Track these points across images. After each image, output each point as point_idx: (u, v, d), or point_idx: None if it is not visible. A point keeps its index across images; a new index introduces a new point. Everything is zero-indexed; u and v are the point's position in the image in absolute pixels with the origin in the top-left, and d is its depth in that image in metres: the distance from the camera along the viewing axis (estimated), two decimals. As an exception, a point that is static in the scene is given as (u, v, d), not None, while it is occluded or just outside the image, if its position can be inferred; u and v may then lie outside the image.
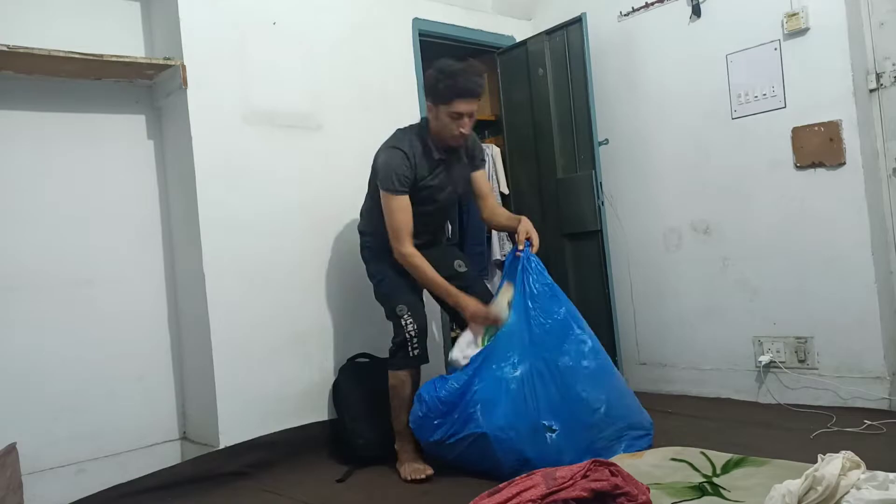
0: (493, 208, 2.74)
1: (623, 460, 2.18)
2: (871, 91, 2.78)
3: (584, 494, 1.68)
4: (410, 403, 2.51)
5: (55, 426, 2.50)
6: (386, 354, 3.03)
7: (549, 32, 3.57)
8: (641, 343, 3.46)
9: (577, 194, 3.47)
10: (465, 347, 2.48)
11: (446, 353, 3.34)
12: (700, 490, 1.98)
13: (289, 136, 2.92)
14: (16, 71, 2.46)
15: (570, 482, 1.71)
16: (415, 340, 2.52)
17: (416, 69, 3.43)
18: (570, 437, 2.25)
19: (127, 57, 2.55)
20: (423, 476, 2.40)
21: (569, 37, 3.47)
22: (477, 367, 2.35)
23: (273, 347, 2.78)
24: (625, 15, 3.43)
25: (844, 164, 2.74)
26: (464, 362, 2.43)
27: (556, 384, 2.29)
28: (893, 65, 2.74)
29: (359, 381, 2.82)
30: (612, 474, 1.75)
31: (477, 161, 2.71)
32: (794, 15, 2.82)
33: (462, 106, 2.43)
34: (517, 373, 2.30)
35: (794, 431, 2.52)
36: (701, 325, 3.23)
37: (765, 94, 2.95)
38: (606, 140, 3.50)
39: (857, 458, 1.65)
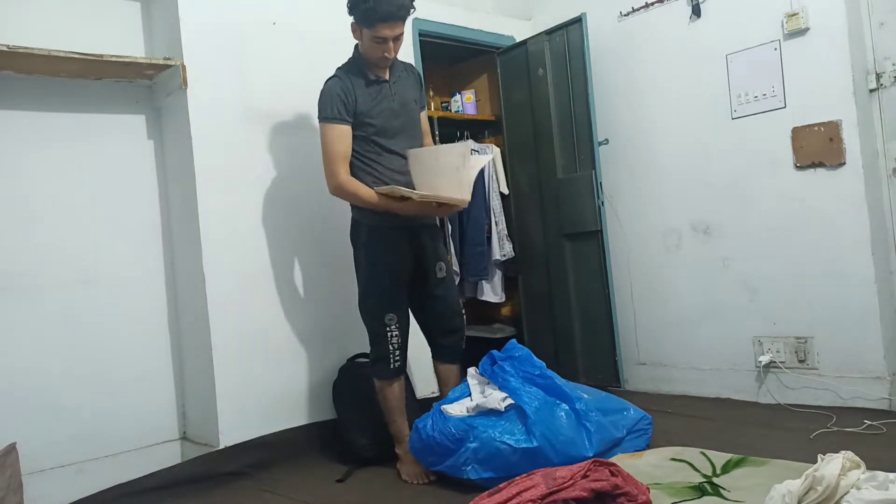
0: (427, 143, 2.67)
1: (623, 460, 2.18)
2: (871, 91, 2.78)
3: (584, 494, 1.68)
4: (402, 405, 2.52)
5: (55, 426, 2.50)
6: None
7: (549, 32, 3.57)
8: (641, 343, 3.46)
9: (577, 194, 3.47)
10: (474, 400, 2.40)
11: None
12: (700, 490, 1.98)
13: (289, 136, 2.92)
14: (16, 71, 2.46)
15: (570, 482, 1.71)
16: (397, 353, 2.49)
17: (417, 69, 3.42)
18: None
19: (127, 57, 2.55)
20: (425, 481, 2.38)
21: (569, 37, 3.47)
22: (477, 430, 2.25)
23: (273, 347, 2.78)
24: (625, 15, 3.43)
25: (844, 164, 2.74)
26: (463, 412, 2.35)
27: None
28: (893, 65, 2.74)
29: (359, 380, 2.82)
30: (612, 474, 1.75)
31: (423, 99, 2.65)
32: (794, 15, 2.82)
33: (385, 30, 2.33)
34: (523, 445, 2.20)
35: (794, 431, 2.52)
36: (701, 325, 3.23)
37: (765, 94, 2.95)
38: (606, 140, 3.50)
39: (857, 459, 1.65)
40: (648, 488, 1.81)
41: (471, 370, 2.53)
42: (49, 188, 2.58)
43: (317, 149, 2.98)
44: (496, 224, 3.87)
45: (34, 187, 2.55)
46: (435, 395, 3.24)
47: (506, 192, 3.91)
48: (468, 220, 3.79)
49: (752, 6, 2.96)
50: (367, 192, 2.39)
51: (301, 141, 2.96)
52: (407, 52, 3.39)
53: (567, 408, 2.27)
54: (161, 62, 2.62)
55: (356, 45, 2.53)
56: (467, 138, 4.03)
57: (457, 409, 2.38)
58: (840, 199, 2.76)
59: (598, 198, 3.40)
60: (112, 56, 2.50)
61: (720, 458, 2.21)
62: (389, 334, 2.47)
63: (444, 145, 2.44)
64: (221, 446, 2.59)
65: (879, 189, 2.80)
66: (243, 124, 2.79)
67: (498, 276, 3.94)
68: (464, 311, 2.84)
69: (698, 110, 3.18)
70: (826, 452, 1.68)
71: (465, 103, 4.04)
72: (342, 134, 2.40)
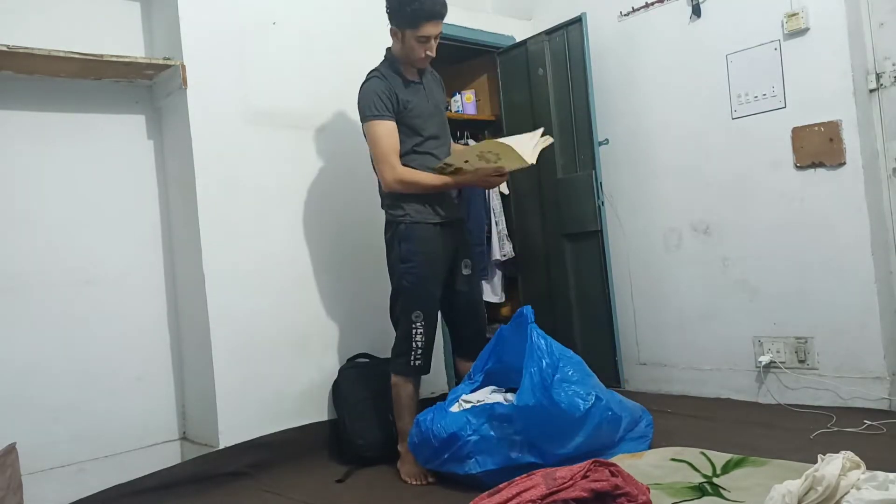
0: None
1: (623, 461, 2.18)
2: (871, 91, 2.78)
3: (585, 495, 1.68)
4: (413, 405, 2.51)
5: (55, 426, 2.50)
6: (386, 355, 3.03)
7: (549, 32, 3.57)
8: (641, 343, 3.46)
9: (577, 194, 3.47)
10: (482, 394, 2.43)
11: (446, 354, 3.35)
12: (700, 490, 1.98)
13: (289, 136, 2.92)
14: (16, 71, 2.45)
15: (571, 482, 1.71)
16: (419, 351, 2.49)
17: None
18: None
19: (127, 57, 2.54)
20: (424, 482, 2.38)
21: (569, 37, 3.48)
22: (477, 422, 2.27)
23: (273, 347, 2.78)
24: (625, 15, 3.43)
25: (844, 164, 2.74)
26: (466, 405, 2.37)
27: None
28: (893, 65, 2.73)
29: (359, 381, 2.82)
30: (613, 474, 1.75)
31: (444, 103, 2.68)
32: (794, 15, 2.82)
33: (430, 28, 2.40)
34: (519, 438, 2.22)
35: (794, 431, 2.52)
36: (701, 325, 3.23)
37: (765, 94, 2.95)
38: (606, 140, 3.50)
39: (857, 459, 1.65)
40: (648, 488, 1.81)
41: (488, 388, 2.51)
42: (49, 188, 2.57)
43: (317, 149, 3.01)
44: (496, 224, 3.87)
45: (34, 187, 2.55)
46: (435, 395, 3.24)
47: (506, 192, 3.91)
48: (468, 219, 3.79)
49: (752, 6, 2.96)
50: (427, 176, 2.44)
51: (301, 141, 2.96)
52: (407, 52, 3.39)
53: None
54: (161, 62, 2.62)
55: (388, 49, 2.57)
56: (467, 138, 4.03)
57: (457, 408, 2.38)
58: (840, 200, 2.76)
59: (598, 198, 3.40)
60: (112, 56, 2.50)
61: (720, 458, 2.21)
62: (415, 331, 2.48)
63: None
64: (221, 446, 2.59)
65: (879, 189, 2.80)
66: (243, 124, 2.79)
67: (498, 277, 3.95)
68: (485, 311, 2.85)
69: (698, 110, 3.18)
70: (826, 452, 1.68)
71: (465, 103, 4.04)
72: (390, 129, 2.43)
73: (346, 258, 3.03)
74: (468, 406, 2.37)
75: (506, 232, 3.86)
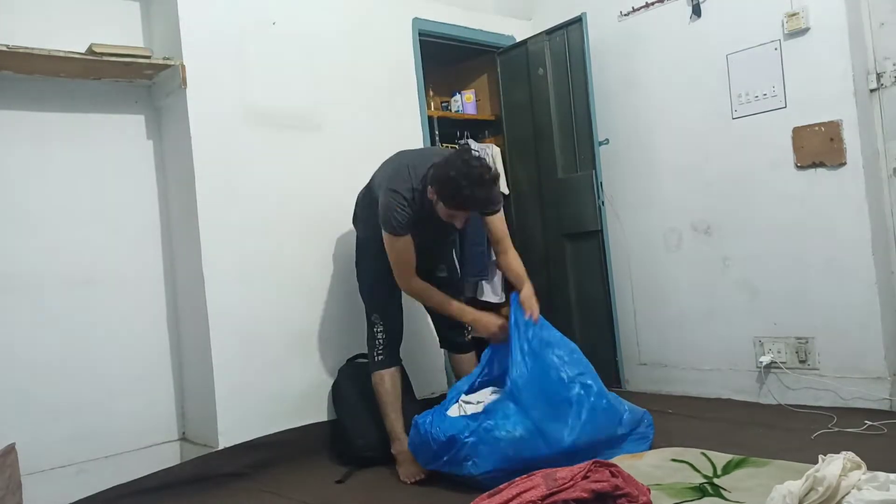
0: (506, 255, 2.60)
1: (624, 461, 2.18)
2: (872, 91, 2.78)
3: (585, 495, 1.68)
4: (395, 404, 2.57)
5: (55, 426, 2.50)
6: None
7: (549, 32, 3.57)
8: (642, 343, 3.45)
9: (577, 194, 3.47)
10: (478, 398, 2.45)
11: (445, 357, 3.34)
12: (701, 491, 1.98)
13: (289, 136, 2.92)
14: (16, 71, 2.45)
15: (571, 483, 1.71)
16: (381, 347, 2.61)
17: (416, 69, 3.42)
18: None
19: (126, 57, 2.54)
20: (422, 477, 2.40)
21: (569, 37, 3.47)
22: (475, 424, 2.26)
23: (273, 348, 2.78)
24: (625, 15, 3.42)
25: (845, 164, 2.74)
26: (469, 409, 2.38)
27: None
28: (894, 65, 2.73)
29: (358, 381, 2.82)
30: (613, 475, 1.75)
31: (493, 208, 2.54)
32: (794, 15, 2.82)
33: (462, 214, 2.38)
34: (517, 433, 2.22)
35: (795, 432, 2.52)
36: (701, 325, 3.22)
37: (765, 94, 2.94)
38: (606, 140, 3.50)
39: (857, 459, 1.64)
40: (649, 489, 1.81)
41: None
42: (49, 188, 2.57)
43: (317, 149, 3.01)
44: (496, 224, 3.86)
45: (34, 187, 2.55)
46: (435, 395, 3.24)
47: (506, 191, 3.90)
48: (467, 220, 3.79)
49: (752, 6, 2.96)
50: (440, 298, 2.53)
51: (301, 141, 2.96)
52: (406, 53, 3.40)
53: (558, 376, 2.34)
54: (161, 62, 2.62)
55: (431, 169, 2.43)
56: (467, 138, 4.03)
57: (456, 410, 2.38)
58: (840, 199, 2.76)
59: (599, 198, 3.40)
60: (112, 56, 2.49)
61: (721, 458, 2.21)
62: (375, 330, 2.64)
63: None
64: (221, 447, 2.59)
65: (880, 189, 2.79)
66: (243, 124, 2.79)
67: (498, 277, 3.94)
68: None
69: (699, 110, 3.18)
70: (827, 453, 1.68)
71: (465, 103, 4.04)
72: (406, 246, 2.45)
73: (346, 258, 3.02)
74: (468, 406, 2.37)
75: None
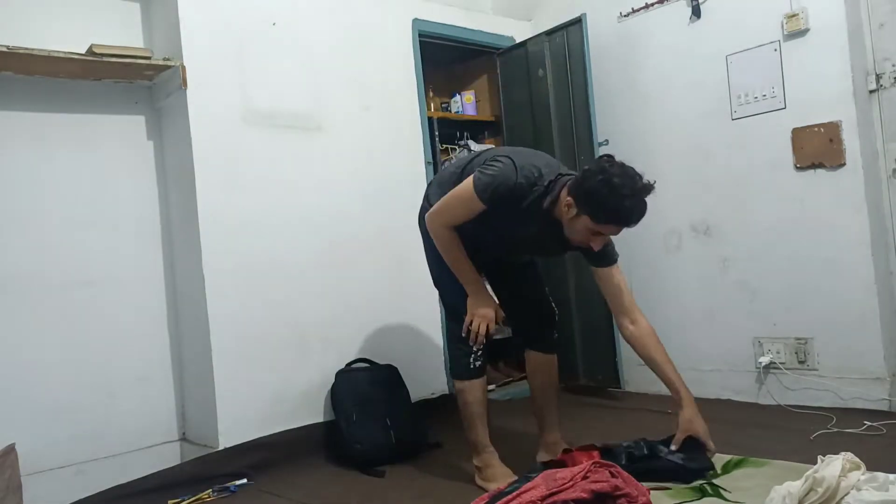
0: (634, 317, 2.29)
1: (623, 461, 2.18)
2: (871, 92, 2.78)
3: (585, 496, 1.68)
4: (484, 415, 2.29)
5: (55, 427, 2.50)
6: (386, 357, 3.04)
7: (549, 33, 3.57)
8: (641, 344, 3.45)
9: (577, 195, 3.47)
10: None
11: (445, 355, 3.34)
12: (700, 491, 1.98)
13: (288, 137, 2.92)
14: (16, 71, 2.46)
15: (571, 483, 1.71)
16: (479, 352, 2.27)
17: (416, 69, 3.42)
18: None
19: (126, 58, 2.54)
20: (507, 482, 2.04)
21: (569, 37, 3.47)
22: None
23: (273, 349, 2.78)
24: (625, 15, 3.43)
25: (844, 164, 2.74)
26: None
27: None
28: (893, 66, 2.74)
29: (356, 386, 2.82)
30: (613, 475, 1.75)
31: (609, 258, 2.23)
32: (793, 16, 2.82)
33: (611, 230, 2.04)
34: None
35: (794, 432, 2.52)
36: (701, 326, 3.22)
37: (765, 95, 2.95)
38: (606, 140, 3.50)
39: (857, 460, 1.65)
40: (648, 490, 1.81)
41: None
42: (49, 189, 2.57)
43: (317, 149, 3.00)
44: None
45: (34, 187, 2.55)
46: (434, 395, 3.24)
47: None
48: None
49: (751, 7, 2.96)
50: (457, 259, 2.19)
51: (301, 141, 2.96)
52: (406, 53, 3.40)
53: None
54: (161, 63, 2.62)
55: (556, 186, 2.10)
56: (467, 139, 4.03)
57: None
58: (840, 200, 2.76)
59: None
60: (112, 57, 2.50)
61: (720, 458, 2.21)
62: (470, 330, 2.25)
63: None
64: (221, 447, 2.59)
65: (879, 190, 2.80)
66: (243, 125, 2.79)
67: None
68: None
69: (698, 111, 3.18)
70: (826, 454, 1.68)
71: (465, 104, 4.04)
72: (473, 209, 2.09)
73: (346, 259, 3.03)
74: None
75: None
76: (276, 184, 2.85)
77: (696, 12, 3.15)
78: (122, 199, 2.74)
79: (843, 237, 2.76)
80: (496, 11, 3.96)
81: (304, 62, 2.98)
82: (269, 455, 2.66)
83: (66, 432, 2.52)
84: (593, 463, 1.79)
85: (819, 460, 1.66)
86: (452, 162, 2.31)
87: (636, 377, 3.44)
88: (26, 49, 2.30)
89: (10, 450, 2.26)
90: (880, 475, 1.60)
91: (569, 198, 2.02)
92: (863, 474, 1.61)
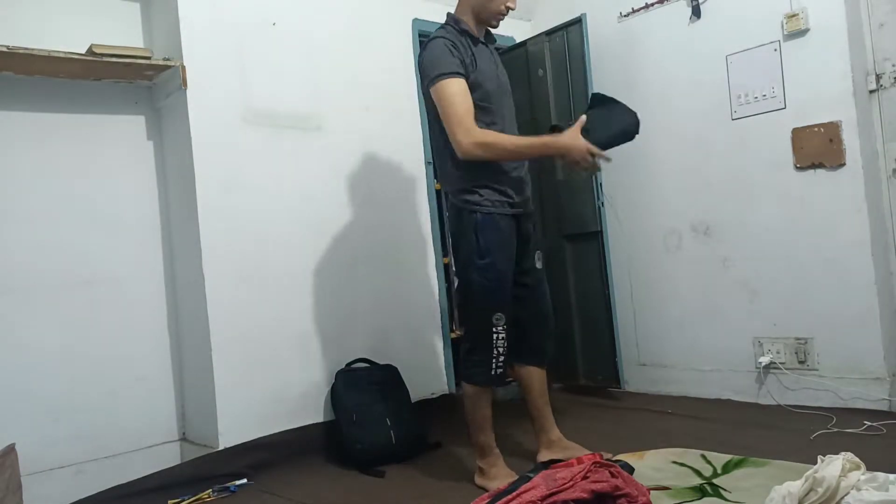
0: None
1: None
2: (871, 92, 2.78)
3: (585, 496, 1.68)
4: (489, 415, 2.27)
5: (55, 427, 2.50)
6: (386, 357, 3.04)
7: (549, 33, 3.57)
8: (642, 344, 3.45)
9: (577, 195, 3.47)
10: None
11: (445, 355, 3.35)
12: (700, 491, 1.98)
13: (289, 137, 2.92)
14: (16, 71, 2.45)
15: (571, 483, 1.71)
16: (501, 358, 2.21)
17: (416, 69, 3.42)
18: None
19: (126, 58, 2.54)
20: (509, 482, 2.08)
21: (569, 37, 3.47)
22: None
23: (273, 349, 2.78)
24: (625, 15, 3.43)
25: (844, 164, 2.74)
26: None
27: None
28: (893, 66, 2.74)
29: (356, 386, 2.83)
30: (613, 475, 1.75)
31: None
32: (793, 16, 2.82)
33: None
34: None
35: (795, 432, 2.52)
36: (701, 325, 3.22)
37: (765, 95, 2.95)
38: (606, 141, 3.50)
39: (857, 460, 1.65)
40: (648, 490, 1.81)
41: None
42: (49, 188, 2.57)
43: (317, 149, 3.00)
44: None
45: (34, 187, 2.55)
46: (434, 395, 3.24)
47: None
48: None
49: (752, 7, 2.96)
50: (511, 139, 2.14)
51: (301, 141, 2.96)
52: (406, 53, 3.40)
53: None
54: (161, 63, 2.62)
55: (449, 14, 2.29)
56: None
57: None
58: (840, 200, 2.76)
59: (599, 198, 3.40)
60: (112, 57, 2.50)
61: (720, 458, 2.21)
62: (496, 336, 2.19)
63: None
64: (221, 447, 2.59)
65: (879, 190, 2.80)
66: (243, 125, 2.79)
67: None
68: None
69: (698, 111, 3.18)
70: (826, 454, 1.68)
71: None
72: (463, 89, 2.10)
73: (346, 259, 3.03)
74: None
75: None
76: (276, 184, 2.85)
77: (696, 12, 3.15)
78: (122, 199, 2.74)
79: (843, 237, 2.76)
80: (496, 11, 3.95)
81: (304, 62, 2.98)
82: (269, 455, 2.66)
83: (66, 432, 2.52)
84: (593, 463, 1.79)
85: (819, 460, 1.66)
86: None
87: (636, 377, 3.45)
88: (26, 49, 2.30)
89: (10, 450, 2.26)
90: (880, 475, 1.60)
91: None
92: (863, 474, 1.61)
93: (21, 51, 2.29)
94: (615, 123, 2.21)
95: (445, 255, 3.44)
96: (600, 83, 3.44)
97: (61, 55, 2.38)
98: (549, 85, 3.57)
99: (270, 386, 2.75)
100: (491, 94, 2.23)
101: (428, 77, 2.16)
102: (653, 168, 3.38)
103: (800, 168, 2.87)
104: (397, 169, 3.26)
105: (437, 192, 3.48)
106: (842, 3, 2.72)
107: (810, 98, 2.81)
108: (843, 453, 1.65)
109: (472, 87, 2.16)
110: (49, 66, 2.44)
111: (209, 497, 2.41)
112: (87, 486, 2.43)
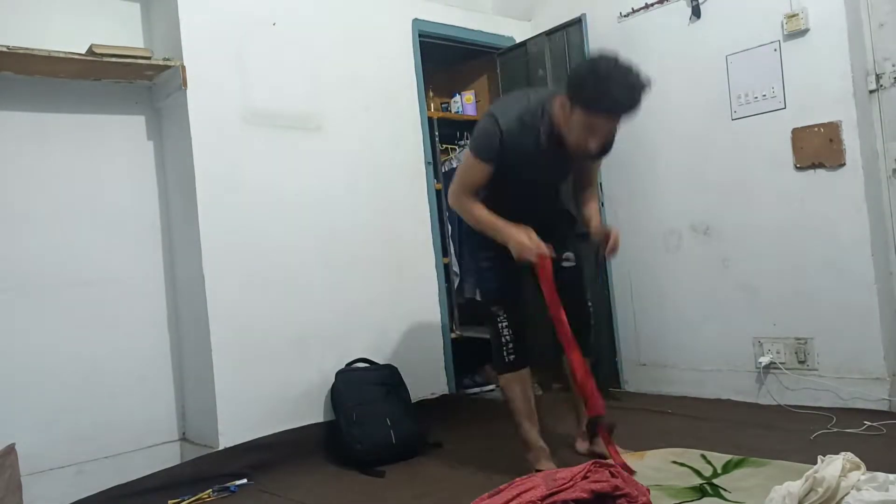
0: (587, 190, 2.42)
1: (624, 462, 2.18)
2: (871, 92, 2.78)
3: (585, 496, 1.68)
4: (528, 410, 2.31)
5: (55, 427, 2.50)
6: (385, 357, 3.05)
7: (549, 33, 3.57)
8: (642, 344, 3.45)
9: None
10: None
11: (446, 355, 3.35)
12: (700, 491, 1.98)
13: (288, 137, 2.92)
14: (16, 71, 2.46)
15: (570, 483, 1.71)
16: (510, 345, 2.31)
17: (416, 69, 3.43)
18: None
19: (126, 58, 2.54)
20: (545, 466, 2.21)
21: (569, 38, 3.47)
22: None
23: (273, 349, 2.78)
24: (625, 16, 3.43)
25: (844, 164, 2.74)
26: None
27: None
28: (893, 66, 2.74)
29: (356, 386, 2.83)
30: (613, 475, 1.75)
31: (605, 152, 2.34)
32: (793, 16, 2.82)
33: (604, 123, 2.04)
34: None
35: (795, 432, 2.52)
36: (701, 325, 3.22)
37: (765, 95, 2.94)
38: (606, 141, 3.50)
39: (857, 460, 1.65)
40: (648, 489, 1.81)
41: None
42: (49, 189, 2.58)
43: (317, 149, 3.01)
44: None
45: (34, 188, 2.55)
46: (434, 395, 3.24)
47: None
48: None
49: (751, 7, 2.96)
50: (480, 214, 2.22)
51: (301, 141, 2.96)
52: (407, 53, 3.40)
53: None
54: (161, 63, 2.62)
55: (560, 111, 2.13)
56: (467, 139, 4.03)
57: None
58: (840, 200, 2.76)
59: (598, 198, 3.39)
60: (112, 57, 2.50)
61: (720, 458, 2.21)
62: (500, 325, 2.32)
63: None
64: (221, 447, 2.59)
65: (879, 190, 2.80)
66: (243, 125, 2.79)
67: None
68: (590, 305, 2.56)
69: (698, 111, 3.18)
70: (826, 454, 1.68)
71: (465, 104, 4.05)
72: (482, 170, 2.19)
73: (346, 259, 3.03)
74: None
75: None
76: (275, 184, 2.85)
77: (696, 12, 3.15)
78: (122, 199, 2.74)
79: (843, 237, 2.76)
80: (496, 11, 3.96)
81: (304, 62, 2.98)
82: (269, 455, 2.66)
83: (66, 432, 2.52)
84: (593, 463, 1.79)
85: (819, 460, 1.66)
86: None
87: (636, 377, 3.45)
88: (26, 49, 2.30)
89: (10, 450, 2.27)
90: (880, 475, 1.60)
91: (562, 97, 2.07)
92: (863, 474, 1.61)
93: (21, 51, 2.29)
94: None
95: (445, 255, 3.44)
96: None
97: (61, 55, 2.38)
98: (549, 85, 3.57)
99: (270, 386, 2.75)
100: (523, 183, 2.26)
101: (472, 137, 2.28)
102: (653, 168, 3.37)
103: (800, 168, 2.87)
104: (397, 169, 3.26)
105: (437, 192, 3.49)
106: (842, 3, 2.72)
107: (810, 98, 2.81)
108: (843, 453, 1.65)
109: (506, 171, 2.19)
110: (49, 66, 2.44)
111: (209, 497, 2.41)
112: (87, 486, 2.43)
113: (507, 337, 2.31)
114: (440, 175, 3.74)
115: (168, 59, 2.64)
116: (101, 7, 2.74)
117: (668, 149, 3.31)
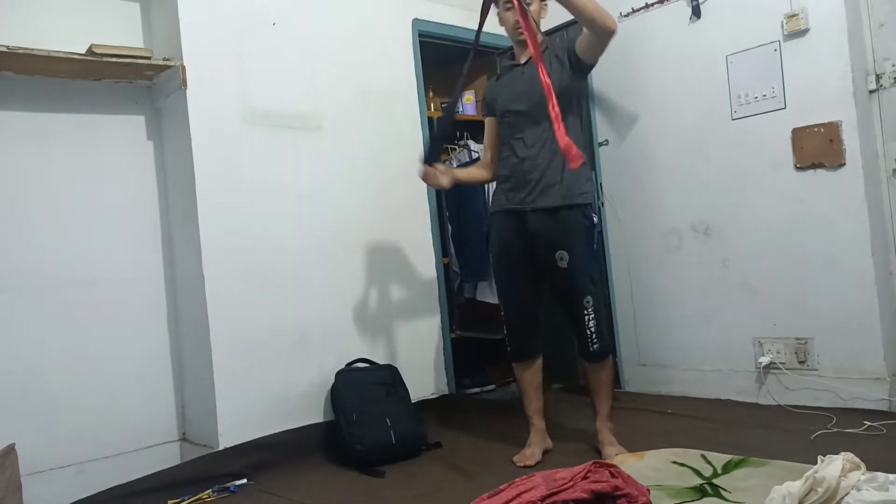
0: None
1: (624, 461, 2.18)
2: (871, 92, 2.78)
3: (584, 496, 1.68)
4: (529, 391, 2.58)
5: (55, 427, 2.50)
6: (385, 357, 3.06)
7: (549, 33, 3.57)
8: (642, 344, 3.45)
9: (577, 195, 3.47)
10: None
11: (446, 355, 3.35)
12: (700, 491, 1.98)
13: (288, 137, 2.92)
14: (16, 71, 2.46)
15: (570, 483, 1.71)
16: (513, 338, 2.59)
17: (416, 69, 3.43)
18: None
19: (126, 58, 2.54)
20: (530, 463, 2.43)
21: (568, 37, 3.47)
22: None
23: (272, 349, 2.78)
24: (625, 15, 3.43)
25: (844, 165, 2.74)
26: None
27: None
28: (893, 66, 2.74)
29: (356, 386, 2.83)
30: (613, 475, 1.75)
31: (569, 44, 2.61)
32: (794, 16, 2.82)
33: (501, 13, 2.45)
34: None
35: (795, 432, 2.52)
36: (701, 326, 3.22)
37: (765, 95, 2.95)
38: (606, 141, 3.50)
39: (857, 460, 1.64)
40: (649, 490, 1.81)
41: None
42: (49, 188, 2.58)
43: (317, 149, 3.01)
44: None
45: (34, 188, 2.55)
46: (434, 395, 3.24)
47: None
48: (467, 220, 3.79)
49: (751, 7, 2.96)
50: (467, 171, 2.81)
51: (301, 141, 2.96)
52: (407, 53, 3.40)
53: None
54: (161, 63, 2.62)
55: None
56: (467, 139, 4.03)
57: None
58: (840, 200, 2.76)
59: (599, 198, 3.40)
60: (112, 57, 2.50)
61: (720, 458, 2.21)
62: (505, 319, 2.61)
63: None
64: (221, 447, 2.59)
65: (879, 190, 2.80)
66: (243, 125, 2.79)
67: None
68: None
69: (698, 111, 3.18)
70: (826, 454, 1.68)
71: (465, 104, 4.04)
72: (489, 125, 2.66)
73: (346, 260, 3.03)
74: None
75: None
76: (275, 183, 2.85)
77: (696, 12, 3.15)
78: (122, 198, 2.74)
79: (843, 237, 2.76)
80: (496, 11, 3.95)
81: (304, 62, 2.98)
82: (269, 455, 2.66)
83: (66, 432, 2.52)
84: (593, 463, 1.79)
85: (819, 460, 1.66)
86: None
87: (636, 377, 3.45)
88: (26, 49, 2.30)
89: (10, 450, 2.26)
90: (880, 475, 1.60)
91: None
92: (863, 474, 1.61)
93: (21, 51, 2.29)
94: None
95: (445, 255, 3.44)
96: (600, 83, 3.45)
97: (61, 55, 2.38)
98: (549, 85, 3.57)
99: (270, 386, 2.75)
100: (515, 113, 2.52)
101: None
102: (653, 168, 3.37)
103: (800, 168, 2.87)
104: (397, 169, 3.26)
105: (437, 192, 3.48)
106: (842, 3, 2.72)
107: (810, 98, 2.81)
108: (843, 453, 1.65)
109: (499, 113, 2.58)
110: (49, 66, 2.44)
111: (209, 497, 2.41)
112: (87, 486, 2.42)
113: (506, 330, 2.60)
114: (440, 175, 3.74)
115: (168, 59, 2.64)
116: (100, 7, 2.74)
117: (668, 149, 3.31)
